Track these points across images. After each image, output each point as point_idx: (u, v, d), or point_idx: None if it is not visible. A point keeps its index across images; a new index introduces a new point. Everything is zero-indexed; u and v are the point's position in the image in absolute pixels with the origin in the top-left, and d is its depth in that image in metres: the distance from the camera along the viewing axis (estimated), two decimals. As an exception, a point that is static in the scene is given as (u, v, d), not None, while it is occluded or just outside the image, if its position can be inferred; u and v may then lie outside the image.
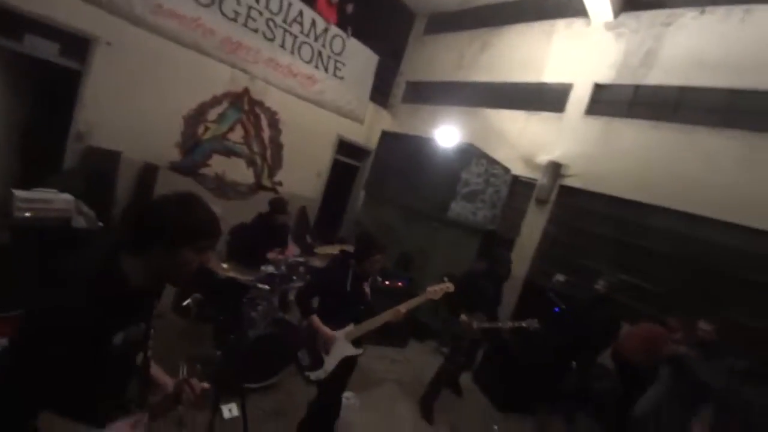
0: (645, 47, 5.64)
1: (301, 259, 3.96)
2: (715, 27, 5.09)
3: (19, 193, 2.98)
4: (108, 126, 5.10)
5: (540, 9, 7.11)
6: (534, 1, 7.25)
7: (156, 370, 1.40)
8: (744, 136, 4.67)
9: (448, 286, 2.79)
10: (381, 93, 8.79)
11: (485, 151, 5.90)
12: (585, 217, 5.87)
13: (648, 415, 3.58)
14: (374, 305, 2.71)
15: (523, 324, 3.72)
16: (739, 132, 4.72)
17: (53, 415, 0.99)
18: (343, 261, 2.66)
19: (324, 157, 8.02)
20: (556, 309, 4.39)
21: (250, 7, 6.03)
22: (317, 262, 4.25)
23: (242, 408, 1.96)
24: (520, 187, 6.64)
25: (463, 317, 3.64)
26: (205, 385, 1.35)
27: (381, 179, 6.45)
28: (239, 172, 6.70)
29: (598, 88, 6.07)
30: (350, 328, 2.56)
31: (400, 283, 5.07)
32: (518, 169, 6.55)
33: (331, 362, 2.52)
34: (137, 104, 5.30)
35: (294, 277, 3.74)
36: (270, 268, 3.46)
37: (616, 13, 5.98)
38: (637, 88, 5.70)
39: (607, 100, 5.99)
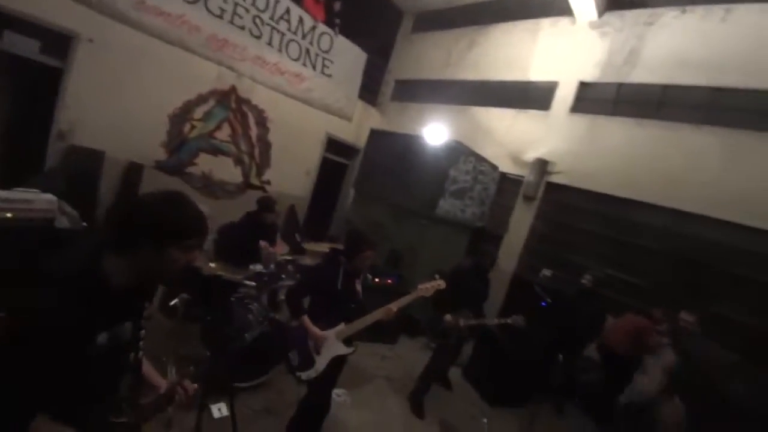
0: (628, 46, 5.74)
1: (290, 258, 3.95)
2: (697, 26, 5.21)
3: (0, 194, 2.92)
4: (91, 125, 5.00)
5: (526, 7, 7.18)
6: (520, 0, 7.31)
7: (149, 371, 1.39)
8: (726, 133, 4.79)
9: (440, 284, 2.80)
10: (370, 91, 8.78)
11: (473, 148, 5.96)
12: (571, 213, 5.97)
13: (633, 404, 3.67)
14: (365, 303, 2.70)
15: (508, 321, 3.76)
16: (720, 129, 4.84)
17: (43, 420, 0.98)
18: (333, 259, 2.64)
19: (313, 156, 7.99)
20: (543, 303, 4.45)
21: (236, 4, 5.97)
22: (307, 260, 4.25)
23: (231, 407, 1.96)
24: (507, 184, 6.71)
25: (448, 317, 3.65)
26: (195, 386, 1.35)
27: (370, 177, 6.46)
28: (227, 171, 6.64)
29: (583, 87, 6.16)
30: (341, 327, 2.56)
31: (389, 280, 5.09)
32: (506, 167, 6.62)
33: (322, 362, 2.51)
34: (121, 103, 5.20)
35: (283, 276, 3.73)
36: (258, 267, 3.44)
37: (601, 12, 6.07)
38: (621, 86, 5.81)
39: (591, 98, 6.08)
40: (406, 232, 5.61)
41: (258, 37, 6.38)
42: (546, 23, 6.79)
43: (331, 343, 2.53)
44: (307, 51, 7.12)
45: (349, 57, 7.83)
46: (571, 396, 4.52)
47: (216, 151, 6.40)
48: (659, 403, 3.09)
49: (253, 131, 6.80)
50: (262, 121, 6.85)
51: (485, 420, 3.91)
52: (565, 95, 6.27)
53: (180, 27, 5.47)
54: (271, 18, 6.47)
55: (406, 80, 8.90)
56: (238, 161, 6.76)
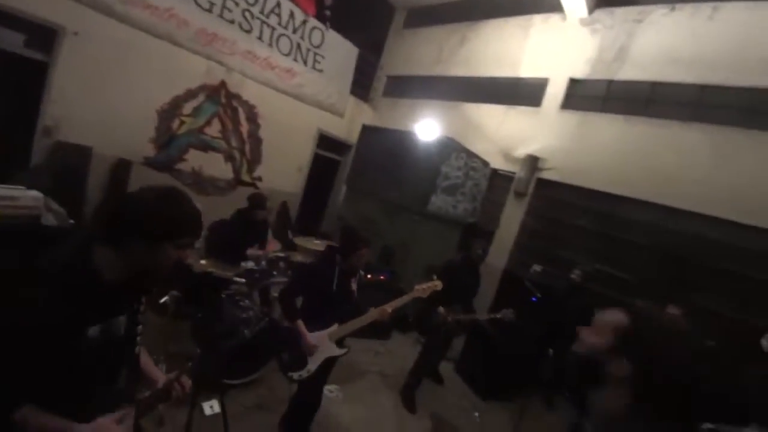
0: (618, 43, 5.79)
1: (281, 255, 3.94)
2: (685, 23, 5.26)
3: (-17, 191, 2.86)
4: (77, 120, 4.91)
5: (517, 4, 7.19)
6: (511, -4, 7.33)
7: (148, 365, 1.40)
8: (713, 130, 4.86)
9: (436, 284, 2.79)
10: (361, 87, 8.74)
11: (465, 144, 5.98)
12: (562, 209, 6.03)
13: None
14: (360, 303, 2.68)
15: (498, 316, 3.79)
16: (708, 126, 4.90)
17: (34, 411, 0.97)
18: (328, 257, 2.61)
19: (304, 152, 7.94)
20: (534, 298, 4.50)
21: (225, -2, 5.89)
22: (298, 257, 4.24)
23: (222, 404, 1.96)
24: (498, 180, 6.75)
25: (441, 309, 3.68)
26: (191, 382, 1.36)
27: (362, 173, 6.45)
28: (217, 167, 6.57)
29: (574, 83, 6.20)
30: (334, 328, 2.54)
31: (382, 277, 5.11)
32: (497, 163, 6.66)
33: (314, 363, 2.50)
34: (108, 98, 5.11)
35: (274, 273, 3.72)
36: (250, 264, 3.43)
37: (591, 9, 6.10)
38: (611, 83, 5.86)
39: (582, 95, 6.13)
40: (398, 228, 5.62)
41: (248, 32, 6.30)
42: (537, 20, 6.81)
43: (324, 344, 2.51)
44: (298, 46, 7.06)
45: (340, 52, 7.78)
46: (561, 389, 4.58)
47: (206, 147, 6.33)
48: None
49: (244, 127, 6.73)
50: (252, 117, 6.79)
51: (477, 414, 3.96)
52: (555, 92, 6.31)
53: (168, 21, 5.38)
54: (261, 12, 6.40)
55: (398, 76, 8.88)
56: (229, 157, 6.69)
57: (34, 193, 3.05)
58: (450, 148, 5.58)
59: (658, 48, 5.43)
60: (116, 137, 5.25)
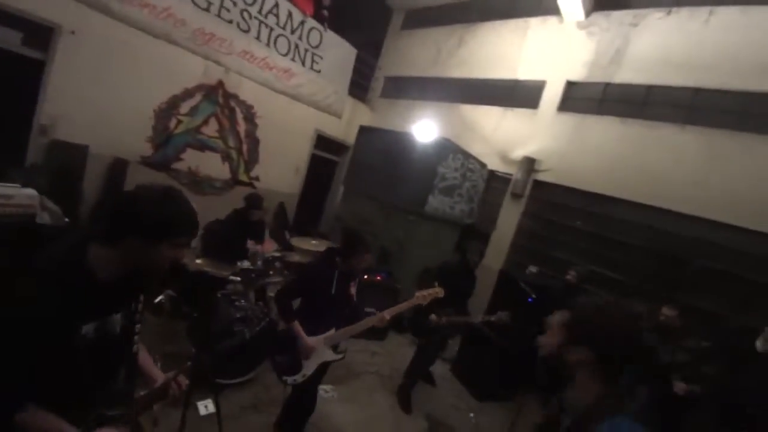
0: (614, 46, 5.83)
1: (278, 255, 3.94)
2: (681, 27, 5.31)
3: (-22, 189, 2.85)
4: (74, 119, 4.89)
5: (514, 6, 7.23)
6: (509, -2, 7.36)
7: (148, 363, 1.40)
8: (707, 133, 4.90)
9: (438, 292, 2.73)
10: (359, 87, 8.76)
11: (462, 146, 5.99)
12: (558, 210, 6.05)
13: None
14: (359, 307, 2.66)
15: (492, 318, 3.76)
16: (702, 129, 4.95)
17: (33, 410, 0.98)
18: (328, 259, 2.55)
19: (302, 152, 7.94)
20: (530, 299, 4.51)
21: (223, -3, 5.89)
22: (295, 257, 4.24)
23: (216, 404, 1.96)
24: (495, 182, 6.77)
25: (433, 317, 3.61)
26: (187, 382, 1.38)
27: (359, 174, 6.45)
28: (214, 167, 6.56)
29: (570, 86, 6.23)
30: (332, 332, 2.49)
31: (378, 277, 5.11)
32: (494, 164, 6.68)
33: (309, 367, 2.46)
34: (105, 97, 5.09)
35: (270, 273, 3.72)
36: (246, 264, 3.43)
37: (588, 13, 6.14)
38: (607, 85, 5.89)
39: (578, 97, 6.16)
40: (396, 229, 5.63)
41: (246, 32, 6.30)
42: (534, 22, 6.85)
43: (321, 349, 2.47)
44: (296, 46, 7.06)
45: (338, 53, 7.79)
46: (557, 389, 4.60)
47: (203, 146, 6.32)
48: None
49: (241, 127, 6.73)
50: (250, 117, 6.79)
51: (472, 414, 3.97)
52: (552, 94, 6.34)
53: (165, 20, 5.37)
54: (260, 12, 6.40)
55: (396, 77, 8.89)
56: (226, 157, 6.68)
57: (29, 191, 3.04)
58: (447, 149, 5.60)
59: (653, 51, 5.47)
60: (113, 136, 5.24)
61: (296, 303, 2.57)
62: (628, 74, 5.65)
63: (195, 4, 5.60)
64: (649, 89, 5.50)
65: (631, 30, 5.71)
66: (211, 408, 2.79)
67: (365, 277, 5.00)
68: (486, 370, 4.31)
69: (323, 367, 2.57)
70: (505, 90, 7.05)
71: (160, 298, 2.65)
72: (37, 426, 0.99)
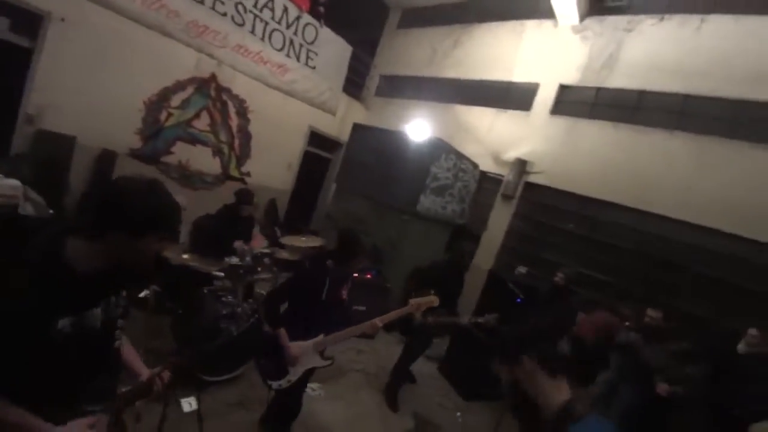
0: (608, 51, 5.88)
1: (266, 251, 3.90)
2: (673, 34, 5.37)
3: (-41, 178, 2.78)
4: (61, 109, 4.79)
5: (510, 8, 7.25)
6: (505, 1, 7.38)
7: (133, 358, 1.39)
8: (697, 139, 4.97)
9: (432, 300, 2.68)
10: (354, 85, 8.73)
11: (455, 146, 6.00)
12: (548, 212, 6.10)
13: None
14: (350, 310, 2.61)
15: (480, 320, 3.76)
16: (692, 135, 5.02)
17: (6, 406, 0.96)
18: (319, 262, 2.44)
19: (295, 149, 7.89)
20: (518, 299, 4.54)
21: (218, -10, 5.82)
22: (284, 254, 4.21)
23: (198, 400, 1.94)
24: (487, 183, 6.80)
25: (417, 315, 3.61)
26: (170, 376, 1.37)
27: (352, 172, 6.44)
28: (205, 161, 6.49)
29: (564, 89, 6.28)
30: (320, 338, 2.41)
31: (368, 275, 5.10)
32: (486, 165, 6.70)
33: (295, 373, 2.39)
34: (94, 87, 5.00)
35: (259, 269, 3.69)
36: (234, 260, 3.39)
37: (582, 17, 6.18)
38: (599, 90, 5.94)
39: (571, 101, 6.21)
40: (387, 228, 5.62)
41: (240, 25, 6.24)
42: (530, 25, 6.88)
43: (307, 355, 2.39)
44: (291, 41, 7.01)
45: (334, 50, 7.75)
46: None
47: (194, 140, 6.25)
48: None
49: (234, 121, 6.66)
50: (242, 112, 6.72)
51: (459, 413, 3.98)
52: (545, 97, 6.38)
53: (158, 10, 5.29)
54: (255, 6, 6.33)
55: (391, 76, 8.88)
56: (217, 151, 6.61)
57: (13, 181, 2.98)
58: (440, 149, 5.60)
59: (646, 57, 5.52)
60: (101, 127, 5.15)
61: (285, 305, 2.49)
62: (620, 79, 5.71)
63: (189, -5, 5.53)
64: (641, 94, 5.56)
65: (624, 35, 5.77)
66: (195, 405, 2.76)
67: (355, 275, 4.99)
68: (473, 370, 4.32)
69: (310, 372, 2.50)
70: (499, 92, 7.08)
71: (144, 293, 2.61)
72: (7, 420, 0.96)
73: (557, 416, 1.05)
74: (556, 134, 6.13)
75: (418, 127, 5.89)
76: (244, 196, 3.88)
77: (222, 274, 3.11)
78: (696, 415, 3.42)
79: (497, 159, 6.66)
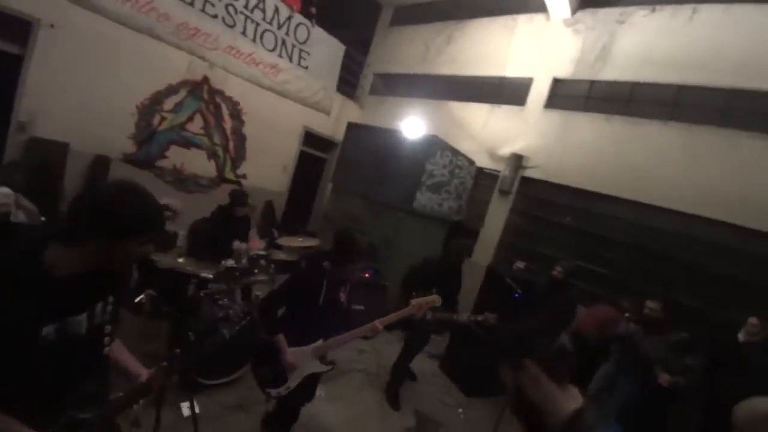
0: (600, 44, 5.88)
1: (263, 253, 3.89)
2: (665, 25, 5.37)
3: (-50, 187, 2.76)
4: (53, 116, 4.77)
5: (502, 3, 7.25)
6: (497, -5, 7.37)
7: (129, 360, 1.38)
8: (690, 129, 4.98)
9: (434, 300, 2.63)
10: (348, 84, 8.70)
11: (450, 143, 5.99)
12: (545, 206, 6.10)
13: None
14: (349, 311, 2.54)
15: (480, 318, 3.72)
16: (685, 125, 5.02)
17: None
18: (316, 264, 2.36)
19: (290, 150, 7.87)
20: (516, 294, 4.53)
21: (208, -8, 5.78)
22: (281, 256, 4.20)
23: (192, 403, 1.93)
24: (483, 179, 6.80)
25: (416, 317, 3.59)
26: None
27: (347, 171, 6.42)
28: (200, 164, 6.46)
29: (557, 83, 6.28)
30: (319, 343, 2.33)
31: (366, 274, 5.09)
32: (482, 161, 6.70)
33: (294, 379, 2.30)
34: (86, 92, 4.98)
35: (256, 271, 3.67)
36: (230, 262, 3.38)
37: (574, 10, 6.18)
38: (593, 83, 5.95)
39: (565, 95, 6.21)
40: (384, 226, 5.61)
41: (231, 27, 6.21)
42: (522, 19, 6.87)
43: (307, 361, 2.32)
44: (283, 42, 6.98)
45: (326, 49, 7.72)
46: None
47: (188, 143, 6.22)
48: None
49: (228, 123, 6.64)
50: (236, 114, 6.69)
51: (460, 410, 3.98)
52: (539, 91, 6.38)
53: (148, 14, 5.26)
54: (245, 7, 6.30)
55: (385, 74, 8.86)
56: (212, 154, 6.59)
57: (4, 189, 2.96)
58: (435, 146, 5.59)
59: (638, 49, 5.52)
60: (94, 133, 5.12)
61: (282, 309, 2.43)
62: (613, 71, 5.71)
63: (178, -2, 5.50)
64: (634, 86, 5.56)
65: (616, 27, 5.77)
66: (195, 408, 2.75)
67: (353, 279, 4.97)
68: (474, 366, 4.32)
69: (311, 379, 2.42)
70: (492, 87, 7.07)
71: (140, 297, 2.60)
72: None
73: (567, 425, 1.00)
74: (551, 128, 6.12)
75: (413, 125, 5.88)
76: (238, 196, 3.87)
77: (211, 276, 3.09)
78: (695, 406, 3.43)
79: (493, 155, 6.65)
